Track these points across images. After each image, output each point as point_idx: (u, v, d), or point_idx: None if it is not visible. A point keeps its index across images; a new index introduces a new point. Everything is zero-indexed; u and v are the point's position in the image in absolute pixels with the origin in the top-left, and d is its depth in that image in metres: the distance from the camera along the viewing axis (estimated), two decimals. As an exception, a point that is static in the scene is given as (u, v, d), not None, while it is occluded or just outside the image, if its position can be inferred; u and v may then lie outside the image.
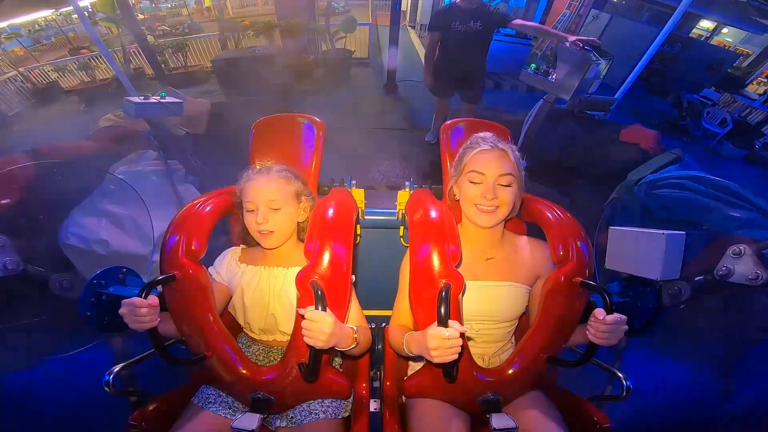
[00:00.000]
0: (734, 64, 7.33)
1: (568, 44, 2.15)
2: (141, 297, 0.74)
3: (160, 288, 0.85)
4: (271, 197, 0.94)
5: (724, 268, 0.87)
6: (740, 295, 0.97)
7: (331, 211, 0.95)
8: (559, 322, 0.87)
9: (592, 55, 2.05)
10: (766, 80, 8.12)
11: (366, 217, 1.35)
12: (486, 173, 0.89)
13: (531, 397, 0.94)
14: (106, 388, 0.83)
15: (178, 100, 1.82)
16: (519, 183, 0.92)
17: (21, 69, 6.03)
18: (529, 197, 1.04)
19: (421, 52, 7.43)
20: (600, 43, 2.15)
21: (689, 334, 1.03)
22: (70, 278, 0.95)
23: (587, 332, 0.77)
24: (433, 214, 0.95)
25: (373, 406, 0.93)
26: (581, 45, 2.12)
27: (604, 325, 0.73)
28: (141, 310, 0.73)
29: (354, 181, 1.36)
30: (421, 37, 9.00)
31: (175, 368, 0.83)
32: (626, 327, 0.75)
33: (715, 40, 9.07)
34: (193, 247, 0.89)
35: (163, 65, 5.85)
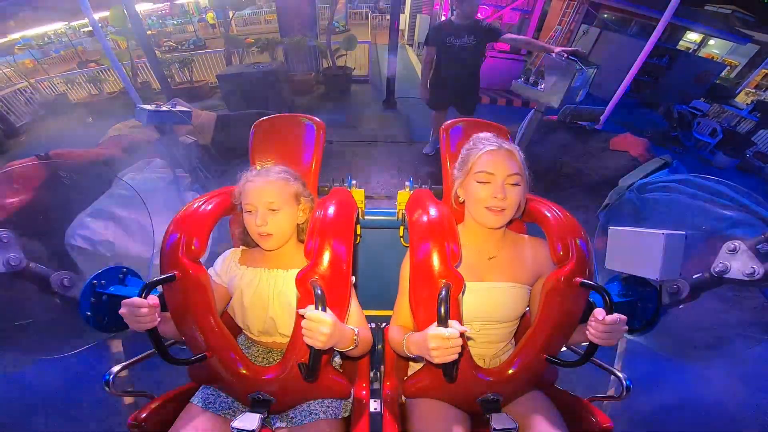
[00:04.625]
0: (721, 75, 7.52)
1: (554, 55, 2.25)
2: (141, 297, 0.74)
3: (160, 288, 0.85)
4: (270, 199, 0.94)
5: (720, 265, 0.88)
6: (738, 293, 0.98)
7: (331, 211, 0.96)
8: (559, 322, 0.87)
9: (576, 63, 2.14)
10: (753, 90, 8.34)
11: (366, 217, 1.35)
12: (495, 173, 0.88)
13: (531, 397, 0.93)
14: (106, 388, 0.82)
15: (187, 109, 1.88)
16: (525, 182, 0.93)
17: (31, 80, 6.18)
18: (529, 197, 1.06)
19: (419, 69, 7.65)
20: (584, 52, 2.25)
21: (689, 333, 1.03)
22: (71, 277, 0.95)
23: (587, 332, 0.77)
24: (433, 214, 0.95)
25: (373, 406, 0.92)
26: (566, 55, 2.22)
27: (603, 325, 0.73)
28: (141, 311, 0.73)
29: (354, 181, 1.37)
30: (418, 55, 9.28)
31: (175, 368, 0.83)
32: (626, 327, 0.75)
33: (703, 52, 9.34)
34: (193, 247, 0.89)
35: (169, 79, 6.00)
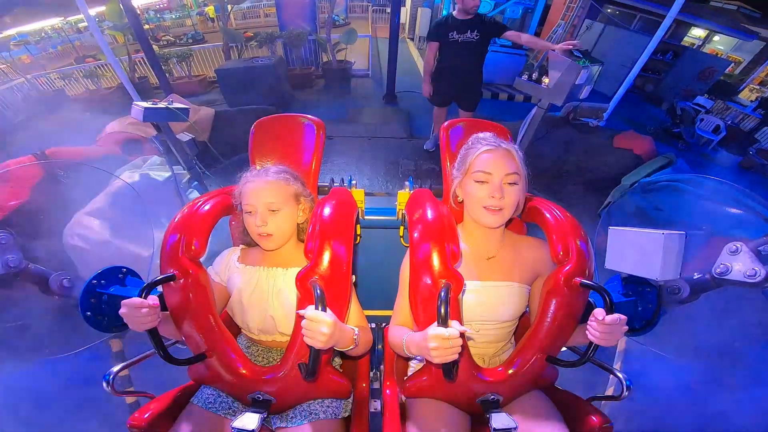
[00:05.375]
0: (726, 72, 7.46)
1: (557, 51, 2.21)
2: (141, 297, 0.74)
3: (160, 288, 0.85)
4: (270, 199, 0.94)
5: (721, 266, 0.87)
6: (739, 294, 0.98)
7: (331, 211, 0.96)
8: (558, 322, 0.87)
9: (582, 60, 2.11)
10: (758, 87, 8.27)
11: (366, 217, 1.35)
12: (493, 173, 0.89)
13: (531, 397, 0.93)
14: (106, 388, 0.83)
15: (184, 106, 1.86)
16: (524, 182, 0.92)
17: (28, 76, 6.12)
18: (530, 197, 1.05)
19: (420, 63, 7.58)
20: (586, 49, 2.21)
21: (689, 333, 1.03)
22: (70, 277, 0.95)
23: (587, 332, 0.77)
24: (432, 214, 0.95)
25: (373, 406, 0.92)
26: (571, 47, 2.18)
27: (603, 325, 0.73)
28: (141, 311, 0.73)
29: (354, 181, 1.37)
30: (419, 49, 9.18)
31: (175, 368, 0.83)
32: (626, 327, 0.75)
33: (707, 48, 9.23)
34: (193, 247, 0.89)
35: (167, 74, 5.95)
